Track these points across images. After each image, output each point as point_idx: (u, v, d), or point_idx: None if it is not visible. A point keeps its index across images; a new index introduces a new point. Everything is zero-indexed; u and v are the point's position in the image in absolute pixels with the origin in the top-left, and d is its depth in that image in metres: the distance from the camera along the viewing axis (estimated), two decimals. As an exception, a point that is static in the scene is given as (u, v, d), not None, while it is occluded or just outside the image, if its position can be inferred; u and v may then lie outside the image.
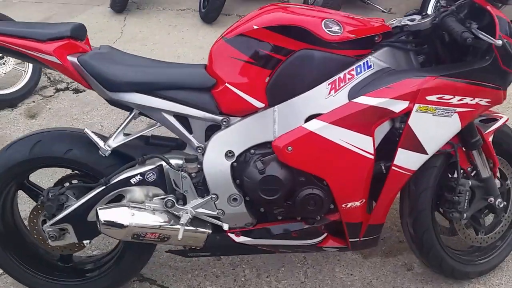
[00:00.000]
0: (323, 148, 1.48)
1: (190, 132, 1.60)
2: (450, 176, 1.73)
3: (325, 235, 1.70)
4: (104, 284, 1.82)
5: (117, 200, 1.63)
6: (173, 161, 1.60)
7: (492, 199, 1.76)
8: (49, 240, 1.65)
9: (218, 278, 1.95)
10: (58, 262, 1.85)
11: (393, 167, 1.53)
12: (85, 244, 1.71)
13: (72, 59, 1.52)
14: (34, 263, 1.80)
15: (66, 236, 1.66)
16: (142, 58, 1.69)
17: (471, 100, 1.51)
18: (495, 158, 1.75)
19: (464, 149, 1.71)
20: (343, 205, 1.58)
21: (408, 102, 1.46)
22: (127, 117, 1.60)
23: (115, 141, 1.57)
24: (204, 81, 1.55)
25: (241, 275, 1.96)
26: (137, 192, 1.63)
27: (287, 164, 1.51)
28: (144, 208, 1.59)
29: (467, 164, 1.73)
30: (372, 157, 1.50)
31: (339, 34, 1.48)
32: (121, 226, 1.55)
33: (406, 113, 1.48)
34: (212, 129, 1.59)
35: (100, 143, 1.55)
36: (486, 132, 1.71)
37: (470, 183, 1.70)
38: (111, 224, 1.54)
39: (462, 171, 1.72)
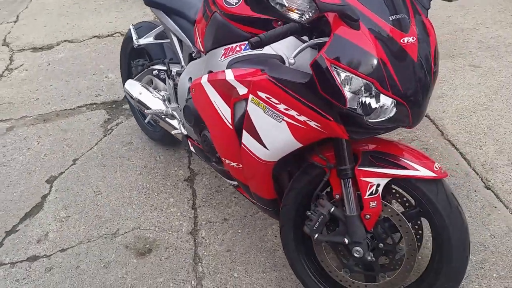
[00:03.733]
0: (204, 101, 1.71)
1: (182, 53, 2.08)
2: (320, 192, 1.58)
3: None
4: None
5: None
6: (175, 69, 2.16)
7: (346, 240, 1.51)
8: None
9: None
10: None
11: (241, 144, 1.61)
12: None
13: None
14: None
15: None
16: None
17: (297, 115, 1.35)
18: (363, 200, 1.44)
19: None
20: (223, 158, 1.78)
21: (247, 89, 1.48)
22: (158, 27, 2.22)
23: (145, 41, 2.24)
24: (194, 16, 1.96)
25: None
26: (158, 82, 2.31)
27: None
28: (151, 93, 2.27)
29: (339, 191, 1.52)
30: (230, 127, 1.63)
31: (233, 6, 1.57)
32: (131, 96, 2.30)
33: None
34: (192, 57, 2.02)
35: (134, 37, 2.25)
36: (359, 168, 1.43)
37: (332, 210, 1.53)
38: (127, 92, 2.32)
39: (333, 195, 1.55)
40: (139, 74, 2.39)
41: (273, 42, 1.29)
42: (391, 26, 1.25)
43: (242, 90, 1.51)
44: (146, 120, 2.25)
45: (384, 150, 1.47)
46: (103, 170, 2.63)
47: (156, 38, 2.26)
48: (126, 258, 2.09)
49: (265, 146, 1.53)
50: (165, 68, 2.19)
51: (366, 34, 1.22)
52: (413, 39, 1.28)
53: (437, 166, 1.45)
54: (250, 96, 1.47)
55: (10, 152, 2.86)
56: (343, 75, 1.22)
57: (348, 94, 1.24)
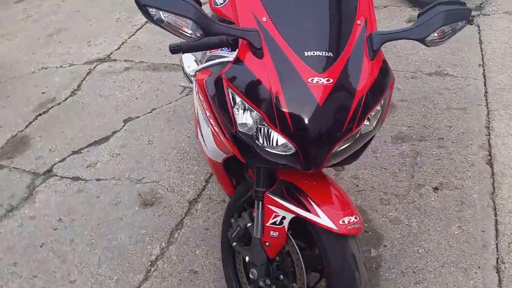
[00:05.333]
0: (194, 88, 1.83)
1: None
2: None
3: None
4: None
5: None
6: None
7: (247, 258, 1.50)
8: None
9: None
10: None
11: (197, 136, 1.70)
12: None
13: None
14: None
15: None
16: None
17: (215, 124, 1.38)
18: (265, 227, 1.41)
19: None
20: None
21: (198, 87, 1.55)
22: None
23: None
24: None
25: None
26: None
27: None
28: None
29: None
30: (197, 117, 1.73)
31: (218, 6, 1.61)
32: (182, 67, 2.52)
33: None
34: None
35: None
36: (268, 195, 1.39)
37: (248, 225, 1.53)
38: (182, 62, 2.54)
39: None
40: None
41: (195, 51, 1.35)
42: (302, 62, 1.15)
43: (197, 86, 1.59)
44: (180, 91, 2.46)
45: (301, 185, 1.38)
46: (166, 124, 2.96)
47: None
48: (132, 203, 2.40)
49: (205, 145, 1.60)
50: (213, 48, 2.35)
51: (266, 65, 1.15)
52: (327, 80, 1.14)
53: (346, 220, 1.31)
54: (196, 95, 1.56)
55: (115, 88, 3.39)
56: (236, 99, 1.21)
57: (244, 120, 1.20)
